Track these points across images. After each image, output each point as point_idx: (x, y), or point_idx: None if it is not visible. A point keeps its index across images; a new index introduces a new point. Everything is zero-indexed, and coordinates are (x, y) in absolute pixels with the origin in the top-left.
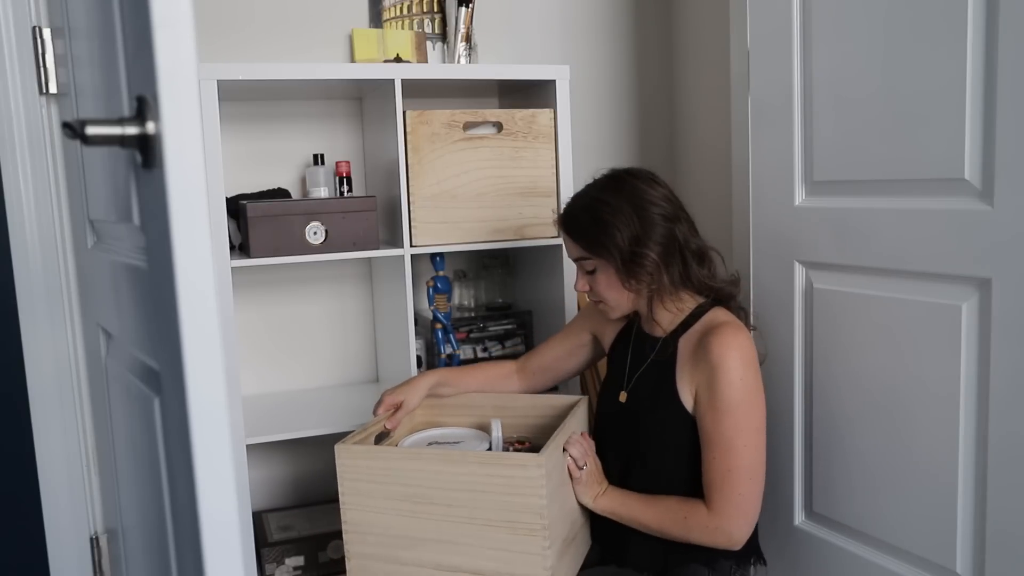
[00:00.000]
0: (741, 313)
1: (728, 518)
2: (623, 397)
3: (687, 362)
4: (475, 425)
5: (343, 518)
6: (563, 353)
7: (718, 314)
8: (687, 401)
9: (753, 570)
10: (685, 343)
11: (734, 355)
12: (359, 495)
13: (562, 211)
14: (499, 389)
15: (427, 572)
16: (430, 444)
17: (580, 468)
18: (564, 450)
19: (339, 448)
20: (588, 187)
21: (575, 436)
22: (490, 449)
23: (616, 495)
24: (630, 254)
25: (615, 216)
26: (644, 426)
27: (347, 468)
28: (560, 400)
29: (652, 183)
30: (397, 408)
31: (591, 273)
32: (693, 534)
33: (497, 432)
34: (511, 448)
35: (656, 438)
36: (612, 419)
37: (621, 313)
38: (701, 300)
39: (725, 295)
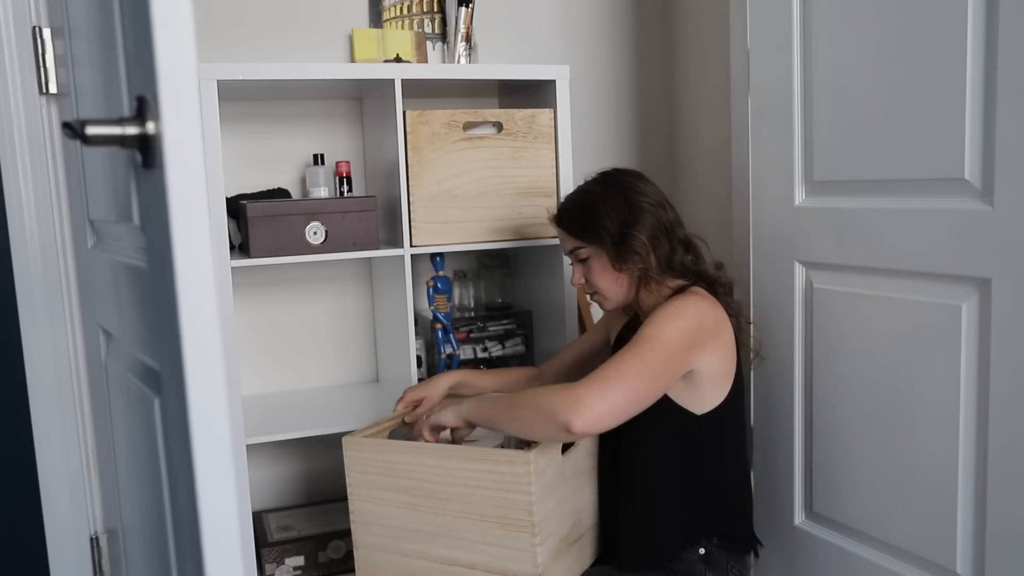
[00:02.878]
0: (731, 301)
1: (583, 393)
2: None
3: None
4: None
5: (351, 508)
6: (582, 356)
7: (690, 290)
8: None
9: (753, 567)
10: None
11: (673, 305)
12: (365, 487)
13: (558, 210)
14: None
15: (427, 564)
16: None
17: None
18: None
19: (346, 440)
20: (579, 186)
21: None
22: (503, 447)
23: (483, 401)
24: (619, 236)
25: (605, 203)
26: None
27: (353, 460)
28: None
29: (639, 178)
30: (417, 404)
31: (584, 262)
32: (541, 399)
33: None
34: (526, 447)
35: (636, 419)
36: None
37: (616, 303)
38: (684, 283)
39: (709, 278)
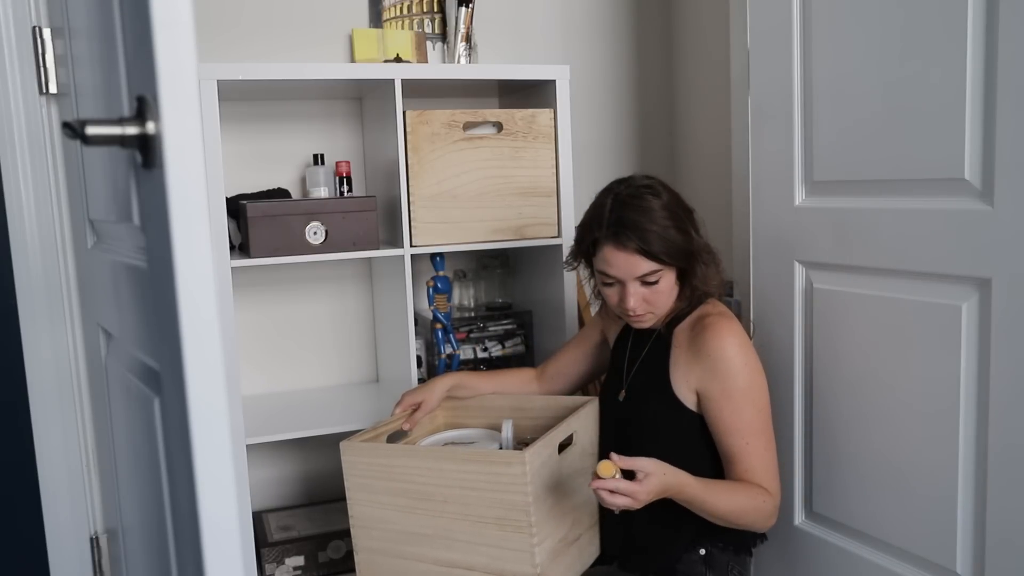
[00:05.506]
0: (732, 304)
1: (778, 498)
2: (622, 396)
3: (682, 353)
4: (494, 427)
5: (350, 512)
6: (579, 356)
7: (707, 307)
8: (680, 391)
9: (752, 565)
10: (678, 333)
11: (731, 343)
12: (363, 491)
13: (624, 235)
14: (517, 392)
15: (426, 567)
16: (446, 444)
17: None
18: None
19: (344, 445)
20: (627, 201)
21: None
22: (501, 449)
23: (685, 485)
24: (702, 254)
25: (683, 221)
26: (640, 419)
27: (351, 464)
28: (574, 401)
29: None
30: (415, 408)
31: (653, 284)
32: (760, 520)
33: (507, 432)
34: (522, 447)
35: (650, 428)
36: (613, 419)
37: (658, 318)
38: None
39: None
